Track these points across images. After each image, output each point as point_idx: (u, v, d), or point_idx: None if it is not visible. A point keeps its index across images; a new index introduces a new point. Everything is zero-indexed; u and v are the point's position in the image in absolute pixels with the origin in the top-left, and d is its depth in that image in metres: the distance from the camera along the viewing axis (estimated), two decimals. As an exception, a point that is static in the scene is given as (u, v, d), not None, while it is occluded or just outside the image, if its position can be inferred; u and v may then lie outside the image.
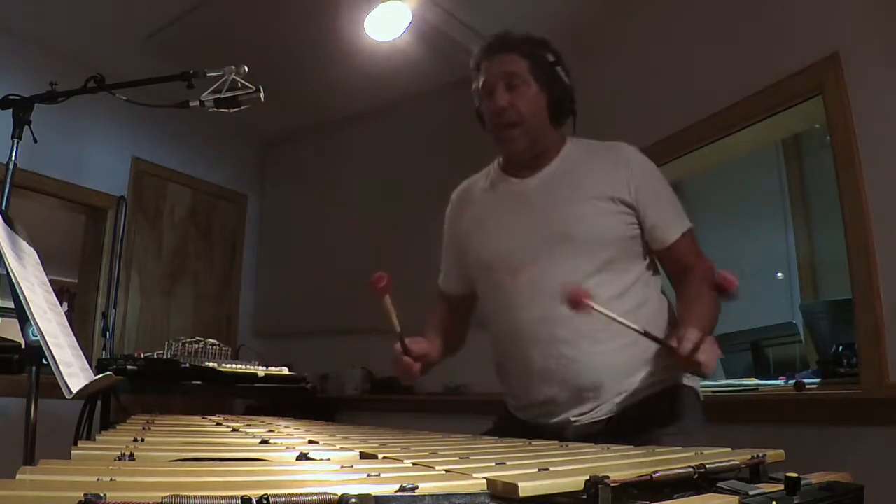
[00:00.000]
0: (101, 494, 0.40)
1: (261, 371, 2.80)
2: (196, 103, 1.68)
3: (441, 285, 1.59)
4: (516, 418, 1.40)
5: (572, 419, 1.27)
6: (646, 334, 1.09)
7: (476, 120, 1.48)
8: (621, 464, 0.68)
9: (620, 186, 1.31)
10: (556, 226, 1.32)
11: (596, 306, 1.09)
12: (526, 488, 0.50)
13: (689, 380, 1.31)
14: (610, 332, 1.20)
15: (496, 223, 1.43)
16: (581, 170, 1.37)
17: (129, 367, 2.35)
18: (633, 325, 1.09)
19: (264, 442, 0.87)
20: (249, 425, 1.18)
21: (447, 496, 0.47)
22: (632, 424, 1.21)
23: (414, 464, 0.67)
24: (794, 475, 0.57)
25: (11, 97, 1.68)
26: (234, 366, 2.72)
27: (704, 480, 0.59)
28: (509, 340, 1.36)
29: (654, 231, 1.32)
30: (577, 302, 1.09)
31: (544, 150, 1.40)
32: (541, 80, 1.36)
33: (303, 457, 0.71)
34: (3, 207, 1.58)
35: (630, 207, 1.31)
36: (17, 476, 0.50)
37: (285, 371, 2.97)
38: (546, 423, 1.30)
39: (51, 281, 1.16)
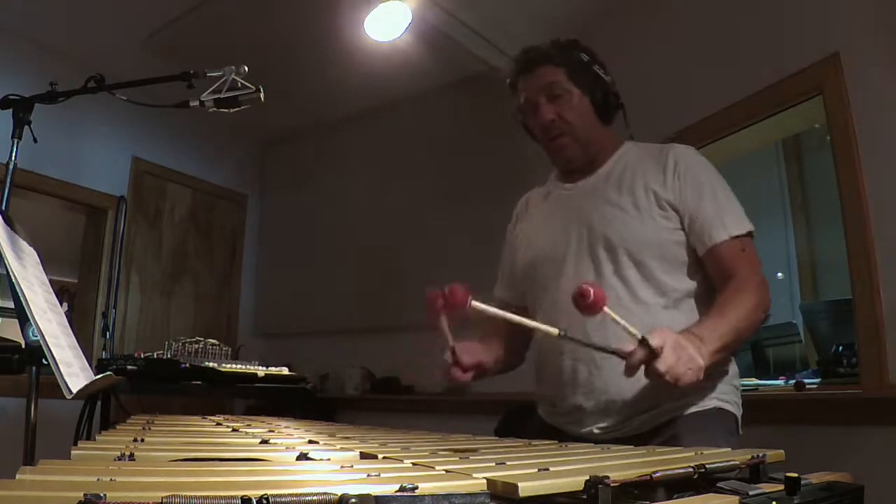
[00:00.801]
0: (101, 494, 0.40)
1: (261, 371, 2.79)
2: (196, 103, 1.68)
3: (495, 294, 1.57)
4: (536, 420, 1.38)
5: (596, 431, 1.24)
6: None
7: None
8: (621, 464, 0.67)
9: (664, 187, 1.27)
10: (594, 226, 1.29)
11: (610, 312, 1.00)
12: (526, 488, 0.50)
13: (729, 405, 1.23)
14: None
15: (543, 226, 1.43)
16: (630, 172, 1.33)
17: (129, 367, 2.34)
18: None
19: (264, 442, 0.87)
20: (249, 425, 1.18)
21: (447, 496, 0.46)
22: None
23: (414, 464, 0.66)
24: (794, 475, 0.56)
25: (11, 97, 1.68)
26: (234, 366, 2.71)
27: (704, 480, 0.59)
28: (544, 343, 1.35)
29: (693, 230, 1.24)
30: (590, 304, 0.98)
31: (598, 153, 1.39)
32: (581, 83, 1.34)
33: (303, 457, 0.71)
34: (3, 207, 1.58)
35: (673, 209, 1.26)
36: (17, 476, 0.50)
37: (285, 371, 2.97)
38: (574, 432, 1.27)
39: (51, 281, 1.16)
